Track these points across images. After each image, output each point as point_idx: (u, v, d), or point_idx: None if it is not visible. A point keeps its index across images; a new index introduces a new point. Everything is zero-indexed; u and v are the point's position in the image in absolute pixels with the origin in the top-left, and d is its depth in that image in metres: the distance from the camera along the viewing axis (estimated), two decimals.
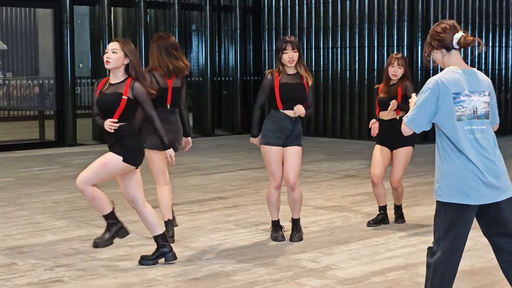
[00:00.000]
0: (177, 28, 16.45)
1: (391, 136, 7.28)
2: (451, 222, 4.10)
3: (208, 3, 16.94)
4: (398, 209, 7.54)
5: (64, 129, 14.91)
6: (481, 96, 4.15)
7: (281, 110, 6.49)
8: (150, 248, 6.42)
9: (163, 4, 16.60)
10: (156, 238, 5.91)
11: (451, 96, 4.08)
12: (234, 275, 5.62)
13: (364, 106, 15.91)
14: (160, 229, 5.93)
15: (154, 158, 6.48)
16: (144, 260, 5.90)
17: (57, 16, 14.83)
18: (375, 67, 15.70)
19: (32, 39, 25.55)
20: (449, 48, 4.18)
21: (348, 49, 16.19)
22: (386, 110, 7.27)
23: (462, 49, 4.20)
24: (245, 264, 5.92)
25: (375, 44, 15.67)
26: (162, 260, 5.94)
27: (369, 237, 6.85)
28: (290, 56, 6.43)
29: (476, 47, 4.38)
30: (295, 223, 6.71)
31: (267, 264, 5.91)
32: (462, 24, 15.51)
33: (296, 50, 6.44)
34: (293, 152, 6.54)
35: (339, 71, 16.39)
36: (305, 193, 9.24)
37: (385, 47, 15.48)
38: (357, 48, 16.00)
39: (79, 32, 20.96)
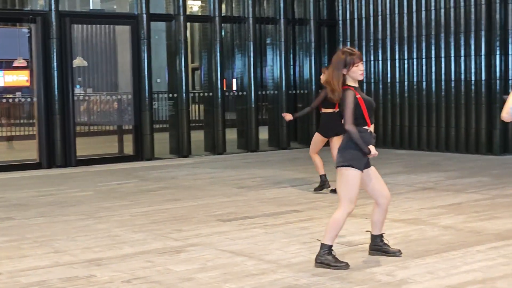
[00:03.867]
0: (251, 42, 16.56)
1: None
2: None
3: (282, 17, 17.01)
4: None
5: (142, 143, 15.16)
6: None
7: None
8: (226, 261, 6.46)
9: (238, 18, 16.76)
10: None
11: None
12: None
13: (442, 117, 15.69)
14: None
15: None
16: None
17: (134, 33, 15.13)
18: (452, 77, 15.48)
19: (111, 56, 26.10)
20: None
21: (424, 59, 16.01)
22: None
23: None
24: (320, 277, 5.89)
25: (452, 54, 15.45)
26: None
27: (446, 251, 6.73)
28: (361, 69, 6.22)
29: None
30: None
31: (342, 277, 5.87)
32: None
33: None
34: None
35: (415, 82, 16.22)
36: None
37: (463, 57, 15.25)
38: (433, 58, 15.81)
39: (156, 47, 21.31)
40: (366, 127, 6.12)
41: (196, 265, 6.38)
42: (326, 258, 6.13)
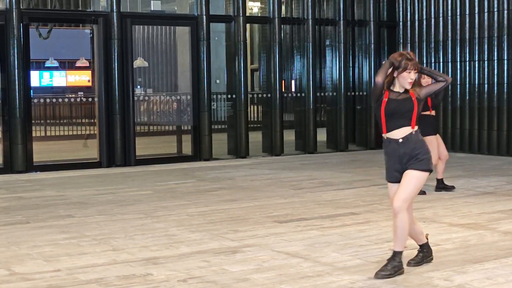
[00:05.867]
0: (311, 43, 16.53)
1: None
2: None
3: (342, 18, 16.94)
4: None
5: (200, 143, 15.26)
6: None
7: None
8: (282, 262, 6.46)
9: (297, 19, 16.74)
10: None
11: None
12: None
13: (503, 120, 15.42)
14: None
15: None
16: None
17: (194, 34, 15.23)
18: None
19: (171, 56, 26.36)
20: None
21: (486, 62, 15.76)
22: None
23: None
24: (375, 281, 5.85)
25: None
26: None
27: (505, 256, 6.61)
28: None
29: None
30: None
31: (398, 282, 5.82)
32: None
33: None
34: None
35: (476, 85, 15.97)
36: (439, 210, 9.08)
37: None
38: (496, 61, 15.55)
39: (216, 48, 21.44)
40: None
41: (252, 265, 6.40)
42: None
